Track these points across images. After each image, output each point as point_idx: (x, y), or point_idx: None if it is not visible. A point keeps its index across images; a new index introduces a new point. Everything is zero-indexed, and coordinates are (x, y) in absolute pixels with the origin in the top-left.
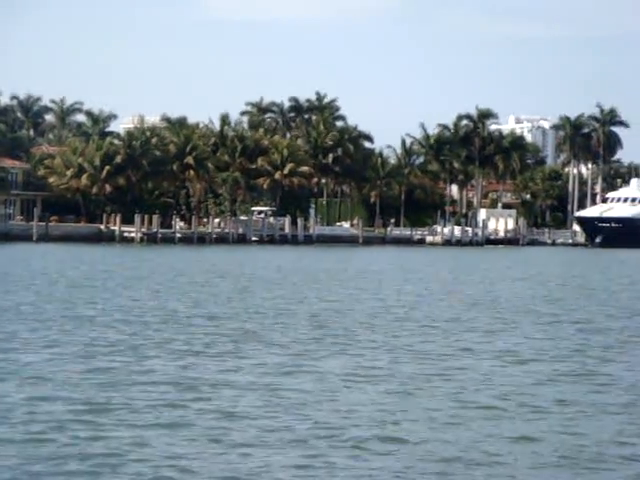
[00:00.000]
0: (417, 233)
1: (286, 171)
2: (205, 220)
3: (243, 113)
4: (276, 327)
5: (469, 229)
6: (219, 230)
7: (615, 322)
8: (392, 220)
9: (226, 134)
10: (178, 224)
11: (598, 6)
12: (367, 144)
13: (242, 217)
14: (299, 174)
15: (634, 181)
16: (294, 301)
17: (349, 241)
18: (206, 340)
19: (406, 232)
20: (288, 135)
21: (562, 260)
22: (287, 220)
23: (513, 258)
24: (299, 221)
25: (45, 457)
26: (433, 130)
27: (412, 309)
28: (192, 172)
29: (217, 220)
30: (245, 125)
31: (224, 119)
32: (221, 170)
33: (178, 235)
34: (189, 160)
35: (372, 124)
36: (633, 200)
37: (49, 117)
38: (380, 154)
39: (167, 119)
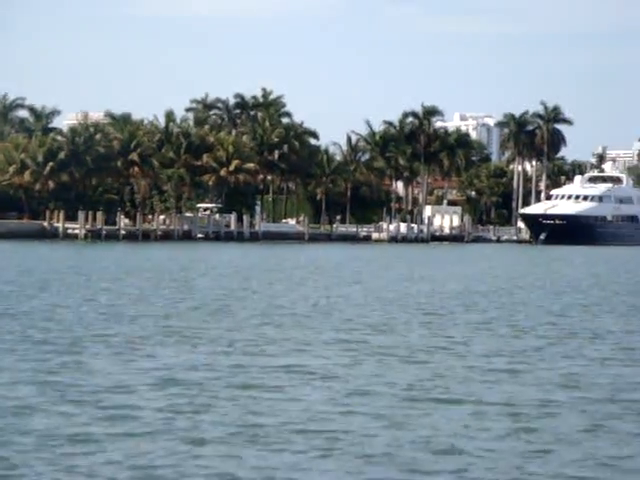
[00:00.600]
0: (363, 230)
1: (232, 168)
2: (150, 217)
3: (188, 110)
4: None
5: (415, 226)
6: (164, 227)
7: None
8: (338, 217)
9: (171, 131)
10: (122, 221)
11: (543, 4)
12: (313, 141)
13: (187, 214)
14: (245, 171)
15: (578, 178)
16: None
17: (295, 238)
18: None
19: (352, 229)
20: (234, 132)
21: (500, 257)
22: (233, 217)
23: (450, 255)
24: (245, 218)
25: None
26: (379, 127)
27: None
28: (137, 169)
29: (162, 217)
30: (190, 122)
31: (169, 116)
32: (166, 167)
33: (122, 232)
34: (134, 157)
35: (318, 121)
36: (577, 197)
37: None
38: (326, 151)
39: (111, 115)
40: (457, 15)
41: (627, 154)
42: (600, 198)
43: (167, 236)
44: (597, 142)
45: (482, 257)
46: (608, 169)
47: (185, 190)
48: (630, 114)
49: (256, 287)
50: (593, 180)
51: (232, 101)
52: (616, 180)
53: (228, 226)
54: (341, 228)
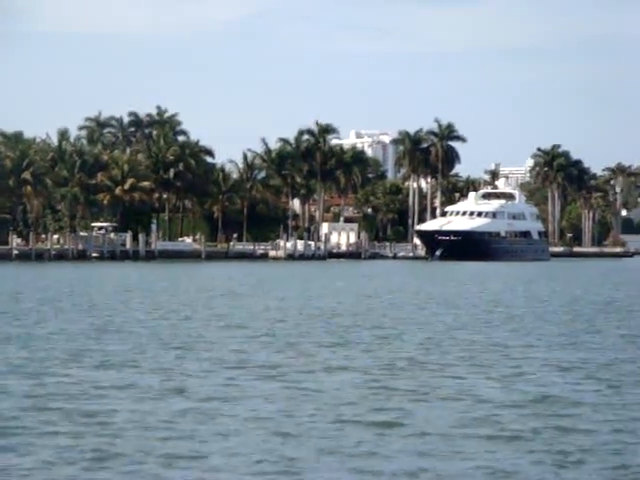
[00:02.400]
0: (260, 248)
1: (127, 186)
2: (44, 236)
3: (81, 128)
4: None
5: (312, 243)
6: (58, 246)
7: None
8: (235, 235)
9: (64, 149)
10: (15, 241)
11: (436, 23)
12: (209, 159)
13: (82, 233)
14: (140, 189)
15: (472, 195)
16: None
17: (191, 256)
18: None
19: (249, 247)
20: (128, 150)
21: (385, 274)
22: (128, 236)
23: (331, 272)
24: (140, 237)
25: None
26: (275, 145)
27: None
28: (29, 187)
29: (56, 236)
30: (84, 140)
31: (62, 134)
32: (60, 185)
33: (15, 252)
34: (26, 175)
35: (214, 139)
36: (471, 214)
37: None
38: (222, 169)
39: (2, 134)
40: (353, 33)
41: (519, 171)
42: (494, 214)
43: (61, 256)
44: (490, 159)
45: (368, 274)
46: (501, 186)
47: (79, 209)
48: (522, 131)
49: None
50: (487, 197)
51: (126, 119)
52: (509, 196)
53: (124, 245)
54: (238, 246)
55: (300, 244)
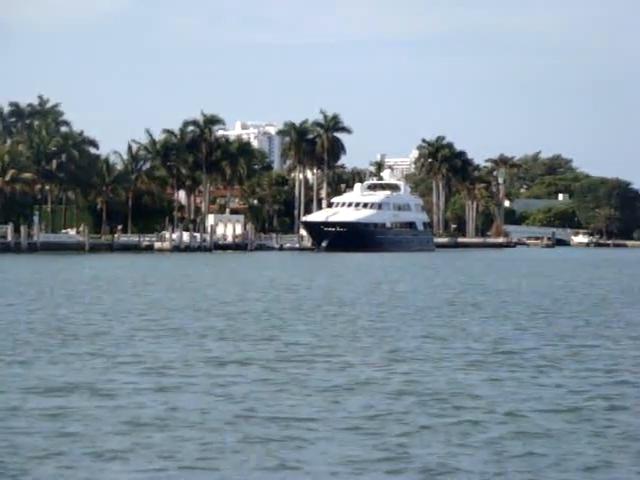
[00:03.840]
0: (145, 239)
1: (7, 178)
2: None
3: None
4: None
5: (197, 235)
6: None
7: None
8: (119, 226)
9: None
10: None
11: (322, 14)
12: (93, 150)
13: None
14: (21, 181)
15: (357, 186)
16: None
17: (75, 248)
18: None
19: (134, 238)
20: (9, 141)
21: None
22: (9, 228)
23: (216, 264)
24: (22, 229)
25: None
26: (160, 136)
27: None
28: None
29: None
30: None
31: None
32: None
33: None
34: None
35: (98, 130)
36: (357, 205)
37: None
38: (106, 160)
39: None
40: (238, 23)
41: (404, 162)
42: (379, 205)
43: None
44: (376, 150)
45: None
46: (386, 177)
47: None
48: (407, 123)
49: None
50: (372, 188)
51: (7, 109)
52: (394, 188)
53: (5, 237)
54: (123, 238)
55: (186, 236)
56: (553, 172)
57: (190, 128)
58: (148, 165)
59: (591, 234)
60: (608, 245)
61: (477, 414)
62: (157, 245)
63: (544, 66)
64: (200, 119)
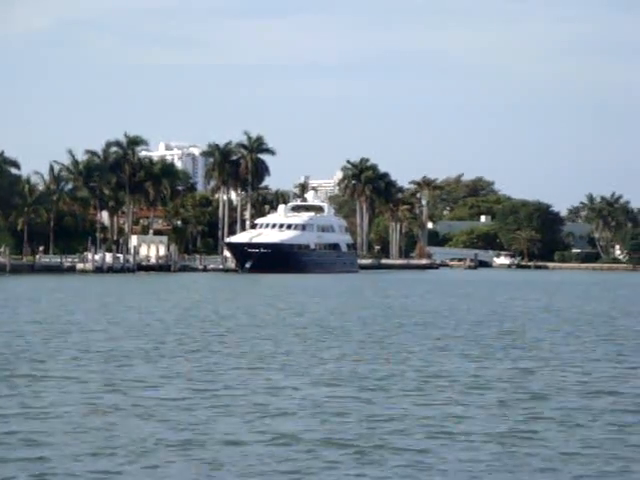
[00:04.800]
0: (67, 260)
1: None
2: None
3: None
4: None
5: (120, 256)
6: None
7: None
8: (41, 247)
9: None
10: None
11: (244, 36)
12: (14, 170)
13: None
14: None
15: (281, 207)
16: None
17: None
18: None
19: (56, 260)
20: None
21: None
22: None
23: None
24: None
25: None
26: (82, 156)
27: None
28: None
29: None
30: None
31: None
32: None
33: None
34: None
35: (19, 150)
36: (281, 226)
37: None
38: (27, 181)
39: None
40: (162, 46)
41: (328, 183)
42: (303, 227)
43: None
44: (300, 172)
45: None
46: (310, 198)
47: None
48: (331, 145)
49: None
50: (296, 209)
51: None
52: (318, 209)
53: None
54: (45, 259)
55: (109, 257)
56: (475, 194)
57: (113, 149)
58: (70, 186)
59: (513, 256)
60: (529, 267)
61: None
62: (79, 266)
63: (466, 89)
64: (123, 140)
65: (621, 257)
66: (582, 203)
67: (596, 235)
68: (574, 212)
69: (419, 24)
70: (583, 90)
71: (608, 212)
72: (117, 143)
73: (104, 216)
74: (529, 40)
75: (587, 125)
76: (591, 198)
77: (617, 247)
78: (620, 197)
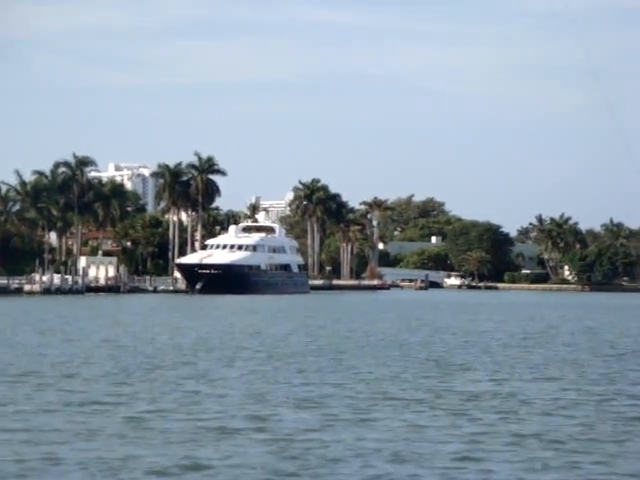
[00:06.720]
0: (15, 282)
1: None
2: None
3: None
4: None
5: (69, 277)
6: None
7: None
8: None
9: None
10: None
11: (194, 56)
12: None
13: None
14: None
15: (232, 228)
16: None
17: None
18: None
19: (3, 281)
20: None
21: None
22: None
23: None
24: None
25: None
26: (30, 177)
27: None
28: None
29: None
30: None
31: None
32: None
33: None
34: None
35: None
36: (231, 247)
37: None
38: None
39: None
40: (111, 65)
41: (280, 204)
42: (254, 247)
43: None
44: (251, 193)
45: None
46: (261, 219)
47: None
48: (283, 165)
49: None
50: (247, 230)
51: None
52: (269, 230)
53: None
54: None
55: (57, 278)
56: (426, 215)
57: (61, 169)
58: (18, 206)
59: (463, 276)
60: (480, 287)
61: None
62: (27, 287)
63: (417, 111)
64: (72, 160)
65: (570, 278)
66: (531, 224)
67: (545, 256)
68: (524, 233)
69: (373, 46)
70: (531, 111)
71: (557, 233)
72: (66, 163)
73: (52, 237)
74: (477, 61)
75: (537, 146)
76: (540, 219)
77: (566, 268)
78: (569, 218)
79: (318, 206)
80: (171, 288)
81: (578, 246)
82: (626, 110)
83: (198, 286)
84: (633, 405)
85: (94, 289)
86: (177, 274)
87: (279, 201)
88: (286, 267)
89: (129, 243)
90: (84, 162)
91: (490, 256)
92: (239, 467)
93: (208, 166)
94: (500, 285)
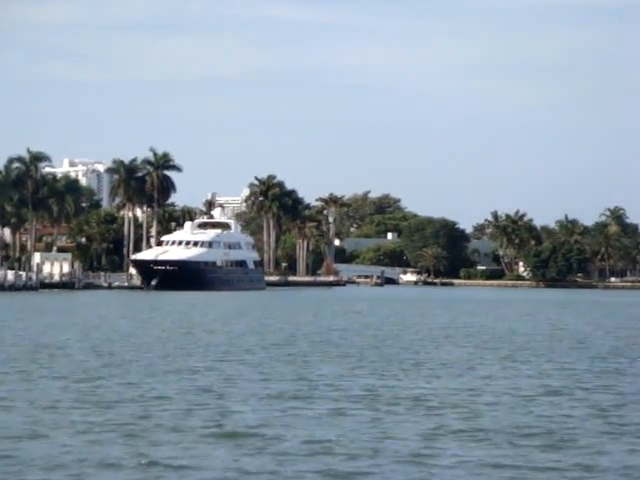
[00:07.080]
0: None
1: None
2: None
3: None
4: None
5: (23, 273)
6: None
7: None
8: None
9: None
10: None
11: (150, 51)
12: None
13: None
14: None
15: (188, 224)
16: None
17: None
18: None
19: None
20: None
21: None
22: None
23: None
24: None
25: None
26: None
27: None
28: None
29: None
30: None
31: None
32: None
33: None
34: None
35: None
36: (187, 243)
37: None
38: None
39: None
40: (65, 60)
41: (235, 200)
42: (210, 244)
43: None
44: (207, 189)
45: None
46: (217, 215)
47: None
48: (238, 161)
49: None
50: (203, 226)
51: None
52: (225, 226)
53: None
54: None
55: (10, 274)
56: (382, 211)
57: (15, 165)
58: None
59: (419, 273)
60: (435, 284)
61: None
62: None
63: (371, 108)
64: (26, 156)
65: (525, 274)
66: (487, 220)
67: (501, 252)
68: (479, 229)
69: (329, 42)
70: (486, 108)
71: (512, 229)
72: (19, 159)
73: (6, 233)
74: (431, 58)
75: (491, 143)
76: (496, 216)
77: (521, 264)
78: (524, 215)
79: (274, 202)
80: (126, 284)
81: (533, 242)
82: (582, 107)
83: (153, 282)
84: None
85: (48, 285)
86: (132, 270)
87: (235, 197)
88: (242, 263)
89: (84, 239)
90: (38, 157)
91: (446, 252)
92: None
93: (163, 162)
94: (456, 281)
